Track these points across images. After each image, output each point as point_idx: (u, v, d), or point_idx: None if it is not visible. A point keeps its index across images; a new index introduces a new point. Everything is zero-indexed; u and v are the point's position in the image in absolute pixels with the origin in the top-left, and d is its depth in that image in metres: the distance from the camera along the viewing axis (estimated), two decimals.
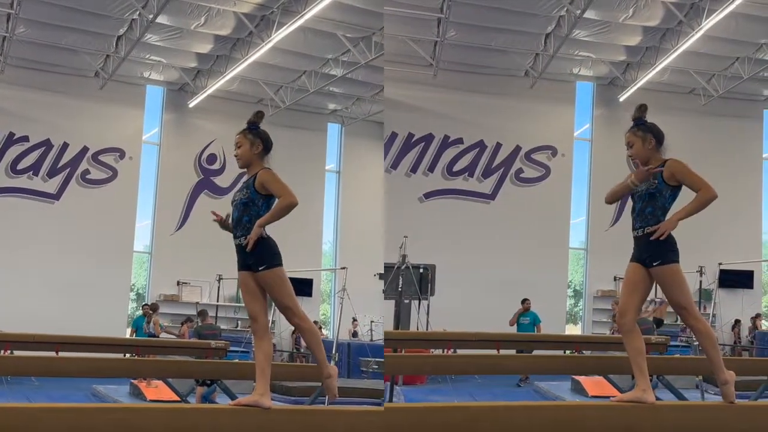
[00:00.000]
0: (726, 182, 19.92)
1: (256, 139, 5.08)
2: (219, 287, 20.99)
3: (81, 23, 18.10)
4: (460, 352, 10.66)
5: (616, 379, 10.11)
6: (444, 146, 21.16)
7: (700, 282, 18.45)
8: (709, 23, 17.34)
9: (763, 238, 22.79)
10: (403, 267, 16.36)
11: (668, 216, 4.97)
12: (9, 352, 9.96)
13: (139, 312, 17.95)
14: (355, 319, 20.64)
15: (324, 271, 23.09)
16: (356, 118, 23.38)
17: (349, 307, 15.69)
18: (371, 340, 20.20)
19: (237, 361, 12.62)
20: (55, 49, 19.07)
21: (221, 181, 21.46)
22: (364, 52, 18.51)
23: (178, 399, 10.53)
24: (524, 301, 16.27)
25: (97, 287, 19.62)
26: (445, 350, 11.03)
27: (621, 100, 21.41)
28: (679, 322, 19.21)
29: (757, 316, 21.00)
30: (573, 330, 22.78)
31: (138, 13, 17.47)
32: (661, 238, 4.88)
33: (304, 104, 21.93)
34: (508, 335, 13.44)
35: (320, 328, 21.40)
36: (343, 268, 16.35)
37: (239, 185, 5.20)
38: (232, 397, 8.24)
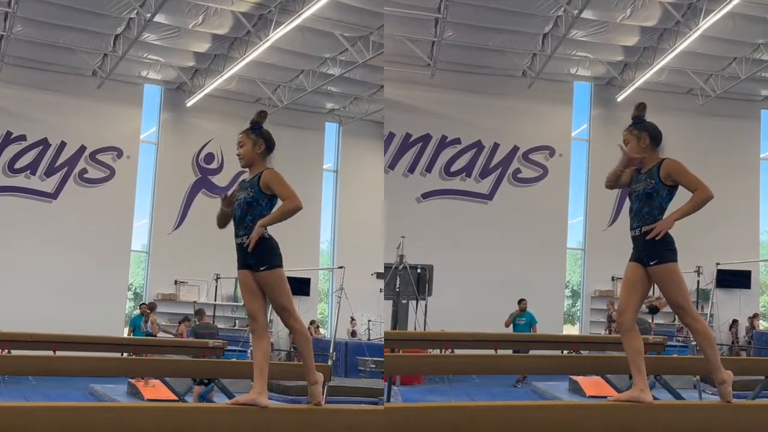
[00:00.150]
0: (724, 182, 20.06)
1: (259, 139, 5.09)
2: (217, 286, 20.99)
3: (79, 22, 18.08)
4: (458, 352, 10.66)
5: (613, 379, 10.11)
6: (441, 146, 21.17)
7: (698, 282, 18.45)
8: (706, 23, 17.35)
9: (760, 238, 22.82)
10: (400, 267, 16.36)
11: (666, 215, 4.98)
12: (6, 351, 9.94)
13: (137, 311, 17.93)
14: (353, 319, 20.63)
15: (321, 271, 23.09)
16: (354, 118, 23.37)
17: (346, 306, 15.68)
18: (369, 339, 20.20)
19: (234, 360, 12.63)
20: (52, 48, 19.05)
21: (219, 180, 21.45)
22: (361, 51, 18.51)
23: (176, 398, 10.51)
24: (521, 301, 16.26)
25: (94, 286, 19.61)
26: (443, 350, 11.04)
27: (619, 100, 21.42)
28: (675, 322, 19.31)
29: (755, 315, 21.03)
30: (570, 330, 22.78)
31: (136, 12, 17.45)
32: (657, 238, 4.88)
33: (302, 103, 21.93)
34: (507, 335, 13.48)
35: (318, 327, 21.41)
36: (341, 267, 16.33)
37: (236, 185, 5.20)
38: (230, 396, 8.23)
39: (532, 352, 11.66)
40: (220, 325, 18.70)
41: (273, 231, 4.96)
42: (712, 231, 19.76)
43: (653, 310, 15.71)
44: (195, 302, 19.94)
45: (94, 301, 19.36)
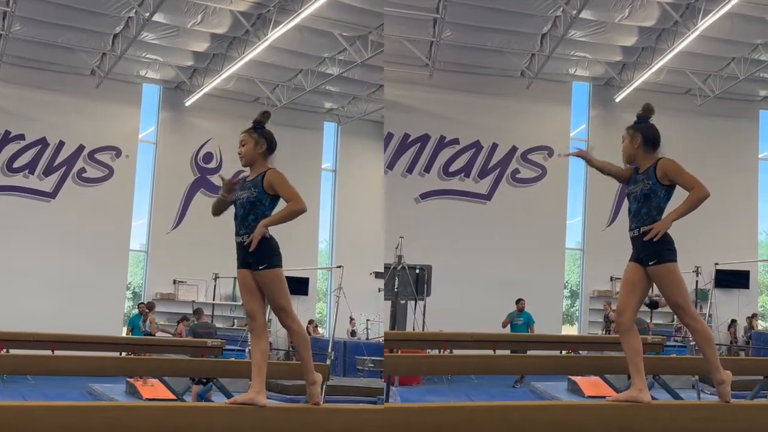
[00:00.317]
0: (722, 182, 20.12)
1: (261, 139, 5.10)
2: (215, 286, 20.99)
3: (77, 21, 18.07)
4: (456, 352, 10.66)
5: (612, 379, 10.12)
6: (440, 146, 21.15)
7: (697, 282, 18.46)
8: (704, 24, 17.35)
9: (759, 238, 22.83)
10: (399, 267, 16.35)
11: (664, 215, 4.98)
12: (5, 350, 9.94)
13: (135, 311, 17.93)
14: (352, 318, 20.64)
15: (320, 270, 23.08)
16: (352, 117, 23.37)
17: (345, 305, 15.68)
18: (367, 338, 20.20)
19: (233, 359, 12.64)
20: (51, 47, 19.04)
21: (218, 179, 21.38)
22: (360, 50, 18.51)
23: (174, 397, 10.52)
24: (518, 301, 16.25)
25: (93, 286, 19.60)
26: (442, 351, 11.04)
27: (617, 100, 21.42)
28: (674, 322, 19.33)
29: (753, 315, 21.03)
30: (569, 330, 22.79)
31: (134, 11, 17.44)
32: (655, 239, 4.88)
33: (301, 103, 21.93)
34: (506, 336, 13.50)
35: (316, 326, 21.40)
36: (339, 266, 16.33)
37: (239, 176, 5.18)
38: (228, 395, 8.22)
39: (531, 353, 11.66)
40: (218, 325, 18.69)
41: (273, 230, 4.96)
42: (710, 231, 19.79)
43: (653, 306, 15.69)
44: (193, 302, 19.96)
45: (92, 300, 19.34)
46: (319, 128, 23.48)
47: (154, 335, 15.81)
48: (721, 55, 20.05)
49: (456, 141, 21.20)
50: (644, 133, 5.10)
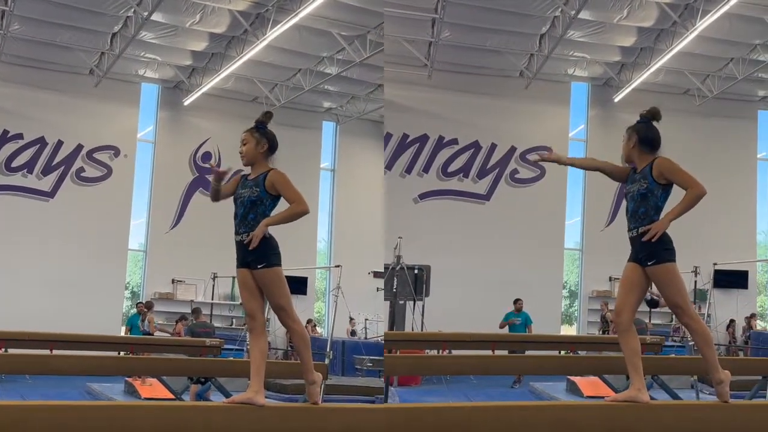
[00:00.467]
0: (721, 183, 20.15)
1: (263, 139, 5.11)
2: (214, 285, 20.99)
3: (76, 20, 18.06)
4: (455, 352, 10.66)
5: (611, 380, 10.12)
6: (439, 147, 21.14)
7: (695, 282, 18.49)
8: (703, 24, 17.36)
9: (757, 239, 22.83)
10: (397, 268, 16.35)
11: (662, 215, 4.98)
12: (3, 350, 9.92)
13: (134, 310, 17.92)
14: (352, 318, 20.65)
15: (319, 269, 23.08)
16: (351, 117, 23.37)
17: (343, 305, 15.68)
18: (365, 338, 20.20)
19: (231, 359, 12.64)
20: (49, 47, 19.03)
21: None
22: (359, 50, 18.51)
23: (173, 397, 10.52)
24: (516, 301, 16.25)
25: (91, 285, 19.59)
26: (441, 351, 11.04)
27: (616, 100, 21.42)
28: (672, 322, 19.34)
29: (752, 315, 21.05)
30: (568, 330, 22.79)
31: (133, 10, 17.44)
32: (653, 240, 4.88)
33: (299, 102, 21.92)
34: (506, 336, 13.51)
35: (314, 326, 21.40)
36: (338, 266, 16.32)
37: (230, 172, 5.19)
38: (226, 394, 8.21)
39: (530, 353, 11.66)
40: (217, 324, 18.70)
41: (272, 230, 4.96)
42: (709, 231, 19.82)
43: (653, 304, 15.66)
44: (192, 301, 19.96)
45: (91, 299, 19.33)
46: (318, 127, 23.47)
47: (152, 335, 15.80)
48: (720, 55, 20.06)
49: (455, 141, 21.19)
50: (640, 133, 5.10)
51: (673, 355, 12.96)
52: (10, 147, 19.97)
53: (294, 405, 5.37)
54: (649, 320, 17.95)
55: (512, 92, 21.11)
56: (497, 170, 21.31)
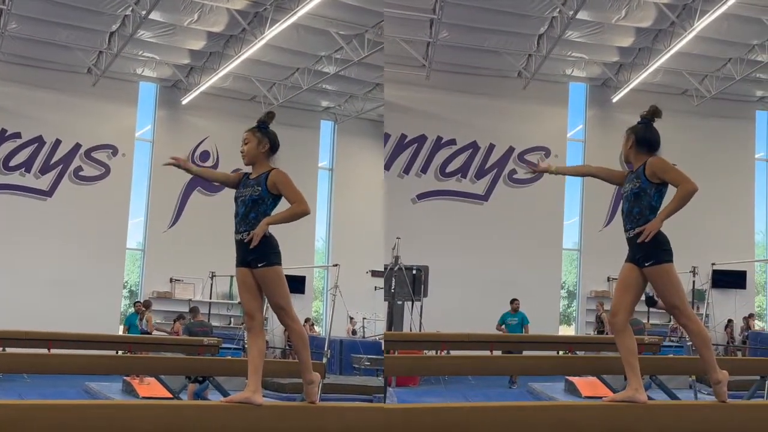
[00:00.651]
0: (719, 183, 20.19)
1: (264, 138, 5.12)
2: (212, 284, 20.99)
3: (74, 19, 18.05)
4: (453, 353, 10.66)
5: (609, 380, 10.11)
6: (437, 147, 21.15)
7: (693, 282, 18.48)
8: (701, 24, 17.36)
9: (755, 239, 22.85)
10: (396, 268, 16.34)
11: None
12: (1, 348, 9.91)
13: (132, 309, 17.92)
14: (352, 318, 20.66)
15: (317, 268, 23.08)
16: (349, 116, 23.37)
17: (341, 304, 15.68)
18: (363, 337, 20.19)
19: (229, 358, 12.63)
20: (47, 46, 19.02)
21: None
22: (357, 49, 18.50)
23: (171, 396, 10.51)
24: (513, 301, 16.26)
25: (89, 284, 19.59)
26: (439, 351, 11.04)
27: (614, 101, 21.44)
28: (669, 322, 19.35)
29: (750, 315, 21.08)
30: (566, 331, 22.80)
31: (131, 9, 17.44)
32: (647, 240, 4.88)
33: (297, 101, 21.92)
34: (504, 337, 13.50)
35: (312, 325, 21.39)
36: (336, 265, 16.33)
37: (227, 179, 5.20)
38: (224, 393, 8.22)
39: (528, 353, 11.66)
40: (215, 323, 18.69)
41: (271, 229, 4.95)
42: (707, 231, 19.86)
43: (652, 303, 15.65)
44: (190, 300, 19.94)
45: (89, 298, 19.33)
46: (316, 127, 23.47)
47: (150, 333, 15.79)
48: (718, 55, 20.07)
49: (453, 141, 21.20)
50: (638, 134, 5.13)
51: (671, 356, 12.96)
52: (8, 146, 19.96)
53: (292, 404, 5.37)
54: (648, 320, 17.96)
55: (510, 93, 21.12)
56: (495, 170, 21.31)
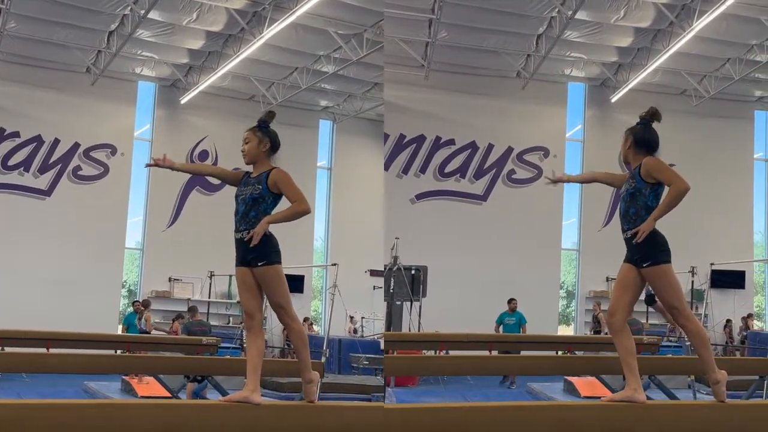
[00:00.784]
0: (717, 183, 20.19)
1: (265, 137, 5.14)
2: (211, 284, 20.99)
3: (72, 19, 18.04)
4: (452, 353, 10.66)
5: (608, 380, 10.11)
6: (436, 147, 21.15)
7: (692, 282, 18.48)
8: (700, 24, 17.36)
9: (754, 239, 22.86)
10: (394, 268, 16.34)
11: None
12: (0, 348, 9.91)
13: (130, 309, 17.92)
14: (352, 317, 20.64)
15: (315, 268, 23.08)
16: (348, 115, 23.37)
17: (340, 303, 15.68)
18: (362, 336, 20.19)
19: (228, 357, 12.62)
20: (46, 45, 19.01)
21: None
22: (355, 48, 18.50)
23: (169, 395, 10.50)
24: (510, 301, 16.26)
25: (88, 283, 19.59)
26: (438, 351, 11.04)
27: (613, 101, 21.45)
28: (667, 325, 19.34)
29: (749, 315, 21.09)
30: (565, 331, 22.81)
31: (129, 8, 17.43)
32: (640, 240, 4.88)
33: (296, 101, 21.91)
34: (502, 337, 13.49)
35: (311, 324, 21.39)
36: (335, 264, 16.33)
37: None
38: (223, 393, 8.22)
39: (527, 353, 11.66)
40: (214, 323, 18.69)
41: (270, 228, 4.95)
42: (706, 231, 19.86)
43: (651, 301, 15.63)
44: (189, 299, 19.96)
45: (88, 298, 19.33)
46: (315, 126, 23.47)
47: (149, 333, 15.79)
48: (716, 55, 20.07)
49: (452, 142, 21.20)
50: (636, 135, 5.14)
51: (670, 355, 12.96)
52: (7, 145, 19.95)
53: (290, 403, 5.38)
54: (646, 320, 17.96)
55: (509, 93, 21.13)
56: (494, 171, 21.32)
